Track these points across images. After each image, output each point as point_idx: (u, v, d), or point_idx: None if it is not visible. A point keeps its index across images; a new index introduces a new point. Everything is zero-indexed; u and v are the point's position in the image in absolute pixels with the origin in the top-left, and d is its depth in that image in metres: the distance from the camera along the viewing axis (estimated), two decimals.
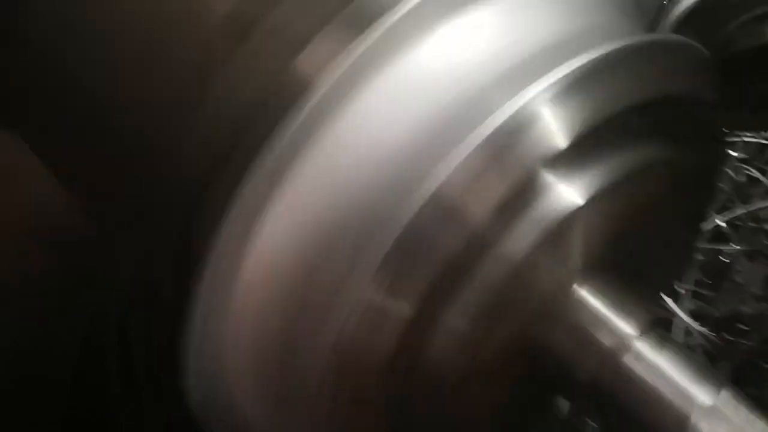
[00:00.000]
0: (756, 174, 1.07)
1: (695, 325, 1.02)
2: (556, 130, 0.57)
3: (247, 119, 0.59)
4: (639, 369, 0.60)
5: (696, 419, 0.59)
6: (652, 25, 0.73)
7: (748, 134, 1.10)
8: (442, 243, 0.56)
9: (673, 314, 1.02)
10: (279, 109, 0.57)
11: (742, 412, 0.59)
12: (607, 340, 0.61)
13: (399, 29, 0.58)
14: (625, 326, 0.61)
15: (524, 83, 0.56)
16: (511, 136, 0.55)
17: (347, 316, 0.56)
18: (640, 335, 0.61)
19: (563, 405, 0.84)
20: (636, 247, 0.66)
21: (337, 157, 0.58)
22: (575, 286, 0.62)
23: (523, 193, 0.57)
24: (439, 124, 0.57)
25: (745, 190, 1.08)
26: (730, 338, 1.02)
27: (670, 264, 0.82)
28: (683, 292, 1.03)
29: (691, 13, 0.73)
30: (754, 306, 1.03)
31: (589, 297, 0.62)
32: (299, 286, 0.59)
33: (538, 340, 0.62)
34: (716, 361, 1.01)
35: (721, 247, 1.06)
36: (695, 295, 1.05)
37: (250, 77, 0.61)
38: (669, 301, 1.02)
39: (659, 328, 0.62)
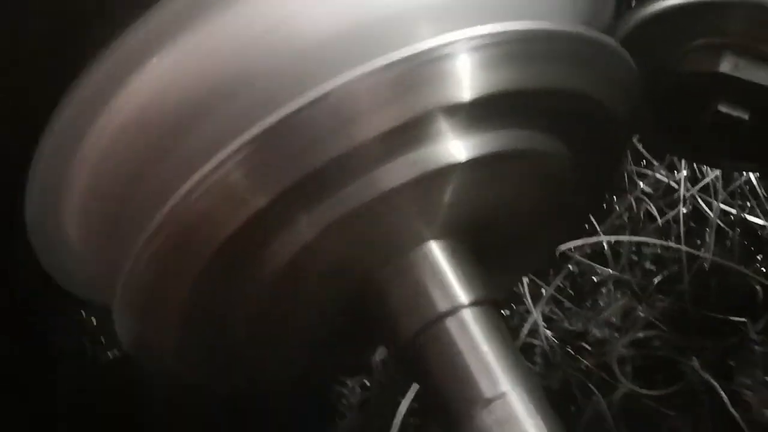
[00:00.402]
0: (654, 212, 1.08)
1: (543, 325, 1.02)
2: (464, 82, 0.56)
3: None
4: (457, 336, 0.60)
5: (485, 404, 0.59)
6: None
7: (662, 172, 1.11)
8: (320, 148, 0.55)
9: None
10: None
11: (529, 408, 0.59)
12: (438, 300, 0.61)
13: None
14: (459, 292, 0.61)
15: (452, 25, 0.56)
16: (421, 70, 0.55)
17: (199, 182, 0.55)
18: (470, 306, 0.61)
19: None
20: (501, 224, 0.67)
21: (236, 24, 0.57)
22: (428, 239, 0.62)
23: (413, 129, 0.56)
24: (356, 32, 0.57)
25: (639, 223, 1.09)
26: (570, 352, 1.03)
27: (530, 255, 0.82)
28: (544, 292, 1.04)
29: (644, 27, 0.72)
30: (603, 331, 1.04)
31: (436, 253, 0.62)
32: (161, 138, 0.58)
33: (375, 279, 0.62)
34: (549, 368, 1.03)
35: (597, 266, 1.06)
36: (555, 299, 1.05)
37: None
38: (525, 292, 1.03)
39: (492, 306, 0.62)
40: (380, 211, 0.58)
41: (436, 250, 0.62)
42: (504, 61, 0.57)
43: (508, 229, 0.68)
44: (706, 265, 1.05)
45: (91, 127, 0.59)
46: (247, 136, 0.54)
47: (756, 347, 1.01)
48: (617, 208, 1.08)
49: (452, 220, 0.62)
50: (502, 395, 0.58)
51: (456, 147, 0.58)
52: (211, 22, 0.56)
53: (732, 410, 0.98)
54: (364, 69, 0.54)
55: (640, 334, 1.03)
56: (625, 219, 1.09)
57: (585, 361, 1.03)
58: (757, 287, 1.04)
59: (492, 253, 0.66)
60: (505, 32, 0.56)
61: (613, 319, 1.04)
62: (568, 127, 0.64)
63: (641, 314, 1.04)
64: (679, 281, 1.05)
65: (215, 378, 0.69)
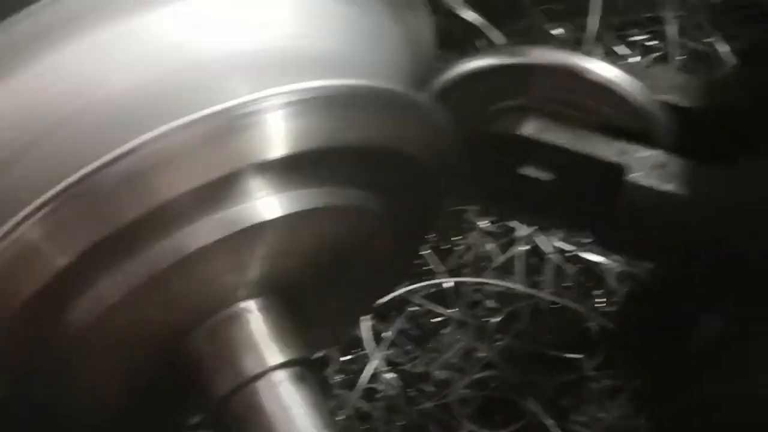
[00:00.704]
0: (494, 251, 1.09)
1: (384, 369, 1.02)
2: (275, 139, 0.56)
3: None
4: (267, 399, 0.60)
5: None
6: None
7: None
8: (123, 206, 0.53)
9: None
10: None
11: None
12: (250, 362, 0.60)
13: None
14: (271, 353, 0.61)
15: (260, 82, 0.56)
16: (230, 126, 0.54)
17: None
18: (282, 367, 0.60)
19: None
20: (318, 277, 0.66)
21: (36, 77, 0.55)
22: (240, 298, 0.61)
23: (221, 187, 0.56)
24: (163, 87, 0.56)
25: (480, 262, 1.10)
26: (413, 393, 1.04)
27: (354, 303, 0.82)
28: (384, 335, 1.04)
29: (453, 87, 0.74)
30: (444, 373, 1.05)
31: (249, 312, 0.61)
32: None
33: (185, 341, 0.61)
34: (390, 413, 1.03)
35: (437, 307, 1.07)
36: (398, 341, 1.05)
37: None
38: (367, 336, 1.03)
39: (306, 366, 0.62)
40: (188, 271, 0.57)
41: (248, 308, 0.61)
42: (314, 119, 0.57)
43: (326, 281, 0.68)
44: (543, 303, 1.06)
45: None
46: (47, 193, 0.52)
47: (591, 384, 1.02)
48: (458, 248, 1.08)
49: (265, 277, 0.61)
50: None
51: (267, 204, 0.58)
52: (14, 75, 0.55)
53: None
54: (170, 125, 0.53)
55: (480, 375, 1.04)
56: (468, 257, 1.09)
57: (427, 403, 1.03)
58: (592, 324, 1.05)
59: (311, 305, 0.67)
60: (314, 89, 0.56)
61: (454, 361, 1.05)
62: (382, 181, 0.64)
63: (481, 354, 1.05)
64: (519, 320, 1.06)
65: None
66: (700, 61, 1.15)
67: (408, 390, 1.04)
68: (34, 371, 0.60)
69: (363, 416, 1.02)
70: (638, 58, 1.11)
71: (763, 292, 0.72)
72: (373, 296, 0.90)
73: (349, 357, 1.04)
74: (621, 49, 1.15)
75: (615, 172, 0.72)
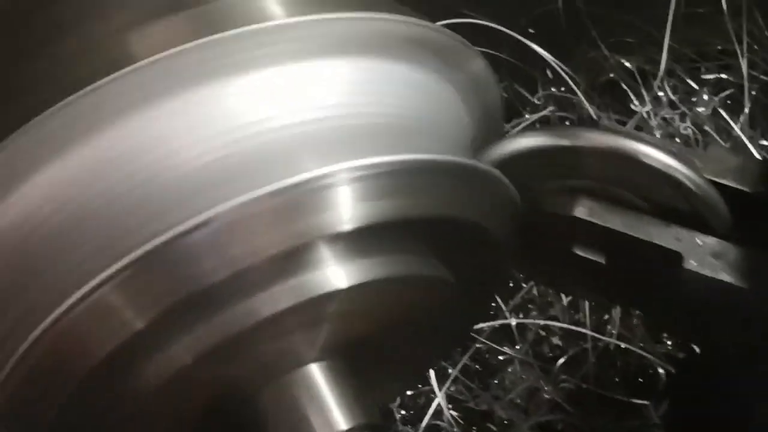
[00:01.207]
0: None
1: (446, 407, 1.02)
2: (346, 212, 0.57)
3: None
4: None
5: None
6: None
7: None
8: (199, 273, 0.55)
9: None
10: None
11: None
12: (317, 426, 0.61)
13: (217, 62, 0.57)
14: (338, 418, 0.61)
15: (334, 157, 0.56)
16: (304, 199, 0.55)
17: (76, 303, 0.54)
18: (354, 429, 0.61)
19: None
20: (384, 342, 0.67)
21: (116, 148, 0.56)
22: (307, 362, 0.62)
23: (293, 257, 0.57)
24: (240, 160, 0.56)
25: (545, 300, 1.09)
26: None
27: (418, 362, 0.84)
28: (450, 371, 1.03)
29: (505, 164, 0.73)
30: (509, 412, 1.04)
31: (316, 376, 0.62)
32: (37, 258, 0.57)
33: (253, 403, 0.62)
34: None
35: (502, 348, 1.06)
36: (461, 379, 1.05)
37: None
38: (431, 372, 1.02)
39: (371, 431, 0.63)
40: (258, 336, 0.58)
41: (315, 372, 0.62)
42: (385, 192, 0.58)
43: (391, 344, 0.68)
44: (611, 346, 1.04)
45: None
46: (127, 258, 0.53)
47: (657, 429, 1.00)
48: (524, 285, 1.07)
49: (332, 342, 0.62)
50: None
51: (336, 273, 0.59)
52: (94, 143, 0.56)
53: None
54: (246, 197, 0.54)
55: (546, 417, 1.03)
56: (534, 295, 1.08)
57: None
58: (660, 370, 1.03)
59: (376, 366, 0.68)
60: (383, 163, 0.57)
61: (519, 400, 1.04)
62: (450, 249, 0.64)
63: (546, 396, 1.04)
64: (584, 361, 1.04)
65: None
66: None
67: (471, 428, 1.03)
68: (103, 427, 0.61)
69: None
70: (705, 97, 1.09)
71: None
72: (437, 355, 0.90)
73: (412, 392, 1.04)
74: (689, 85, 1.13)
75: (671, 258, 0.71)
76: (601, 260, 0.73)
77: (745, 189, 0.73)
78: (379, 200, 0.58)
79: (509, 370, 1.06)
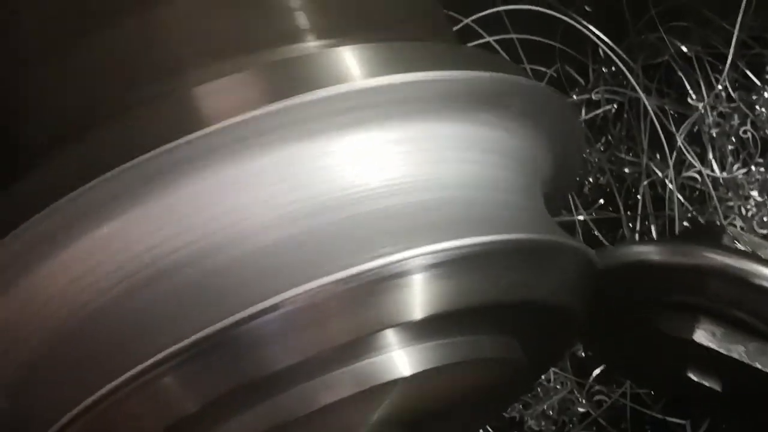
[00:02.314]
0: None
1: None
2: (416, 300, 0.56)
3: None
4: None
5: None
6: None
7: None
8: (261, 359, 0.54)
9: None
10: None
11: None
12: None
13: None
14: None
15: (406, 242, 0.55)
16: (378, 285, 0.54)
17: (127, 382, 0.53)
18: None
19: None
20: (441, 419, 0.66)
21: (182, 225, 0.55)
22: None
23: (361, 344, 0.56)
24: (310, 243, 0.55)
25: None
26: None
27: (473, 428, 0.85)
28: None
29: (625, 269, 0.71)
30: (540, 424, 1.05)
31: None
32: (96, 327, 0.56)
33: None
34: None
35: None
36: None
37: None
38: None
39: None
40: (313, 421, 0.58)
41: None
42: (462, 277, 0.57)
43: (448, 419, 0.68)
44: None
45: None
46: (183, 342, 0.52)
47: None
48: None
49: (387, 420, 0.61)
50: None
51: (401, 359, 0.58)
52: (155, 211, 0.55)
53: None
54: (317, 282, 0.53)
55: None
56: None
57: None
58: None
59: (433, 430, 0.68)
60: (462, 246, 0.56)
61: (550, 412, 1.04)
62: (525, 329, 0.65)
63: (580, 409, 1.04)
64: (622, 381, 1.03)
65: None
66: None
67: None
68: None
69: None
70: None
71: None
72: (491, 419, 0.93)
73: None
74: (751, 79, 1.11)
75: None
76: (716, 387, 0.71)
77: None
78: (454, 286, 0.57)
79: (542, 378, 1.04)
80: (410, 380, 0.58)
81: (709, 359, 0.69)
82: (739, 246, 0.71)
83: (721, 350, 0.69)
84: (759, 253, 0.70)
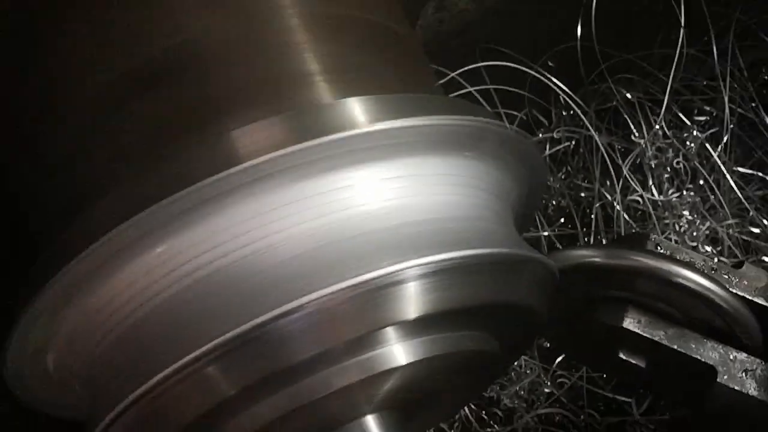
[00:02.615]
0: None
1: None
2: (413, 302, 0.56)
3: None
4: None
5: None
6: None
7: None
8: (289, 351, 0.55)
9: None
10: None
11: None
12: None
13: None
14: None
15: (405, 253, 0.56)
16: (379, 292, 0.55)
17: (178, 372, 0.54)
18: None
19: None
20: (433, 396, 0.67)
21: (219, 244, 0.56)
22: (365, 414, 0.62)
23: (370, 339, 0.57)
24: (326, 256, 0.56)
25: None
26: (484, 417, 1.03)
27: (456, 405, 0.85)
28: None
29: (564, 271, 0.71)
30: (514, 401, 1.03)
31: (371, 425, 0.62)
32: (151, 323, 0.57)
33: None
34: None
35: None
36: None
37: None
38: None
39: None
40: (328, 401, 0.58)
41: (370, 422, 0.62)
42: (447, 285, 0.57)
43: (437, 398, 0.69)
44: None
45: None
46: (227, 334, 0.53)
47: (639, 427, 1.01)
48: None
49: (388, 400, 0.62)
50: None
51: (398, 351, 0.59)
52: (204, 229, 0.56)
53: None
54: (330, 288, 0.54)
55: (545, 410, 1.02)
56: None
57: (497, 427, 1.03)
58: None
59: (421, 412, 0.68)
60: (447, 260, 0.56)
61: (522, 392, 1.03)
62: (500, 325, 0.65)
63: (546, 390, 1.03)
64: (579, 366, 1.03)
65: None
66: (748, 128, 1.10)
67: (481, 411, 1.03)
68: None
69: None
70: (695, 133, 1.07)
71: None
72: (472, 396, 0.91)
73: None
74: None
75: (706, 372, 0.70)
76: (642, 365, 0.72)
77: None
78: (441, 292, 0.57)
79: (515, 365, 1.03)
80: (406, 368, 0.59)
81: (636, 342, 0.72)
82: (661, 250, 0.72)
83: (645, 335, 0.71)
84: (676, 256, 0.72)
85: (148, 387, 0.55)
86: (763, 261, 0.90)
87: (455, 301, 0.58)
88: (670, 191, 1.05)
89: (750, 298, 0.72)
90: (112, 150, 0.60)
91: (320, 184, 0.57)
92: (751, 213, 1.04)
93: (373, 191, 0.58)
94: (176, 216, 0.55)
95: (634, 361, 0.72)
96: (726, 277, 0.72)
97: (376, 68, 0.64)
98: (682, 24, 1.03)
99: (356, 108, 0.57)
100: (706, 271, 0.71)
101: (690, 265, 0.71)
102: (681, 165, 1.06)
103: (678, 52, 1.03)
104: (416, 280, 0.56)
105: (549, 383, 1.03)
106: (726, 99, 1.07)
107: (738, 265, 0.73)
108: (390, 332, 0.58)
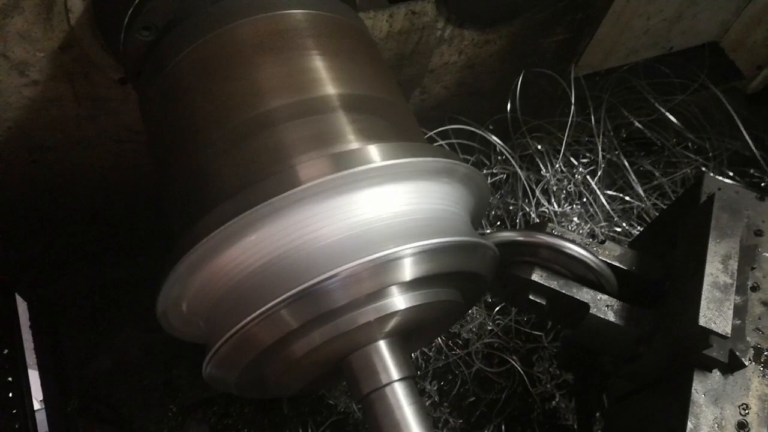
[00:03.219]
0: None
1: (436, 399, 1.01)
2: (407, 269, 0.56)
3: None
4: (391, 399, 0.59)
5: None
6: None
7: None
8: (330, 300, 0.55)
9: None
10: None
11: None
12: (381, 375, 0.59)
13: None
14: (393, 371, 0.60)
15: (403, 241, 0.55)
16: (387, 264, 0.55)
17: (263, 313, 0.54)
18: (401, 380, 0.59)
19: None
20: (422, 327, 0.65)
21: (287, 232, 0.55)
22: (378, 339, 0.60)
23: (381, 293, 0.57)
24: (351, 242, 0.55)
25: None
26: (450, 344, 1.03)
27: (435, 334, 0.84)
28: None
29: (501, 243, 0.70)
30: (469, 335, 1.03)
31: (382, 346, 0.60)
32: (246, 284, 0.56)
33: (347, 360, 0.60)
34: (438, 355, 1.02)
35: None
36: None
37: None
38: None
39: (414, 380, 0.61)
40: (355, 332, 0.58)
41: (382, 344, 0.60)
42: (430, 259, 0.57)
43: (425, 329, 0.67)
44: None
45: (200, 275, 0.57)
46: (293, 290, 0.53)
47: (546, 350, 1.02)
48: None
49: (393, 331, 0.60)
50: None
51: (399, 300, 0.58)
52: (280, 223, 0.55)
53: (530, 388, 1.00)
54: (356, 262, 0.53)
55: (488, 340, 1.03)
56: None
57: (457, 350, 1.03)
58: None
59: (415, 338, 0.67)
60: (430, 244, 0.56)
61: (473, 329, 1.04)
62: (463, 285, 0.63)
63: (489, 327, 1.04)
64: (510, 311, 1.04)
65: (256, 393, 0.67)
66: (614, 166, 1.10)
67: (448, 341, 1.03)
68: (266, 373, 0.61)
69: (420, 354, 1.02)
70: (581, 169, 1.07)
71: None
72: (444, 330, 0.92)
73: None
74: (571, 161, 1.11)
75: (582, 306, 0.70)
76: (543, 302, 0.71)
77: (624, 267, 0.72)
78: (427, 263, 0.56)
79: (470, 311, 1.04)
80: (405, 311, 0.58)
81: (539, 289, 0.72)
82: (555, 232, 0.72)
83: (545, 284, 0.71)
84: (565, 236, 0.71)
85: (242, 324, 0.54)
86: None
87: (435, 269, 0.57)
88: (565, 205, 1.06)
89: (609, 261, 0.72)
90: (221, 176, 0.59)
91: (351, 198, 0.56)
92: (615, 218, 1.06)
93: (384, 202, 0.57)
94: (262, 217, 0.54)
95: (538, 301, 0.71)
96: (595, 249, 0.72)
97: (388, 128, 0.62)
98: (572, 102, 1.04)
99: (374, 151, 0.56)
100: (582, 245, 0.71)
101: (573, 241, 0.70)
102: (572, 189, 1.07)
103: (570, 119, 1.04)
104: (411, 257, 0.55)
105: (491, 323, 1.03)
106: (600, 148, 1.08)
107: (602, 242, 0.73)
108: (394, 289, 0.57)
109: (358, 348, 0.59)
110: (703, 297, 0.61)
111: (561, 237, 0.70)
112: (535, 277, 0.71)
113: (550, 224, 0.73)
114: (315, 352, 0.58)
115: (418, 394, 0.61)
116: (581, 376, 0.94)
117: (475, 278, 0.63)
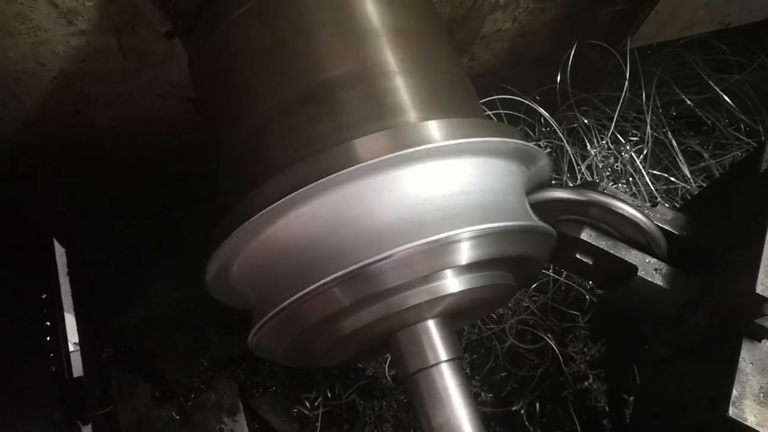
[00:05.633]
0: None
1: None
2: (464, 253, 0.57)
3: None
4: (437, 378, 0.59)
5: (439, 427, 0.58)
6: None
7: None
8: (382, 281, 0.56)
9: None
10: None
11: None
12: (428, 355, 0.60)
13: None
14: (441, 351, 0.60)
15: (459, 223, 0.56)
16: (442, 247, 0.55)
17: (315, 290, 0.55)
18: (447, 361, 0.60)
19: None
20: (473, 309, 0.66)
21: (343, 208, 0.56)
22: (427, 319, 0.61)
23: (435, 275, 0.57)
24: (405, 222, 0.56)
25: None
26: (485, 319, 1.05)
27: (474, 319, 0.87)
28: None
29: (545, 201, 0.71)
30: (503, 310, 1.05)
31: (431, 326, 0.61)
32: (298, 255, 0.57)
33: (395, 337, 0.61)
34: (474, 329, 1.04)
35: None
36: None
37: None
38: None
39: (461, 361, 0.62)
40: (406, 312, 0.59)
41: (431, 324, 0.61)
42: (486, 243, 0.57)
43: (475, 309, 0.68)
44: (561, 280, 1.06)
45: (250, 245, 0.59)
46: (346, 269, 0.54)
47: (582, 330, 1.04)
48: None
49: (444, 312, 0.61)
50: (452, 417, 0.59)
51: (452, 283, 0.59)
52: (334, 196, 0.56)
53: (563, 367, 1.02)
54: (411, 244, 0.54)
55: (522, 316, 1.05)
56: None
57: (492, 326, 1.05)
58: (587, 296, 1.05)
59: (463, 318, 0.69)
60: (486, 228, 0.57)
61: (510, 305, 1.05)
62: (516, 267, 0.64)
63: (525, 304, 1.05)
64: (548, 287, 1.06)
65: (300, 363, 0.69)
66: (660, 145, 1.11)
67: (484, 318, 1.05)
68: (313, 345, 0.62)
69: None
70: (628, 147, 1.07)
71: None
72: (495, 309, 0.93)
73: None
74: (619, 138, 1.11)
75: (630, 268, 0.72)
76: (590, 262, 0.73)
77: (675, 232, 0.73)
78: (484, 248, 0.57)
79: None
80: (457, 294, 0.59)
81: (587, 248, 0.73)
82: (606, 191, 0.73)
83: (594, 243, 0.72)
84: (618, 196, 0.72)
85: (294, 298, 0.56)
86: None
87: (490, 253, 0.57)
88: (610, 183, 1.07)
89: (661, 225, 0.73)
90: (276, 148, 0.59)
91: (408, 175, 0.56)
92: (658, 198, 1.06)
93: (443, 181, 0.57)
94: (318, 191, 0.55)
95: (585, 260, 0.72)
96: (646, 212, 0.73)
97: (447, 101, 0.62)
98: (626, 77, 1.05)
99: (435, 127, 0.56)
100: (635, 206, 0.72)
101: (625, 201, 0.71)
102: (618, 167, 1.08)
103: (623, 94, 1.05)
104: (468, 240, 0.55)
105: (527, 299, 1.05)
106: (648, 126, 1.09)
107: (654, 206, 0.74)
108: (448, 272, 0.58)
109: (407, 326, 0.60)
110: (762, 265, 0.63)
111: (614, 196, 0.71)
112: (584, 236, 0.72)
113: (601, 184, 0.74)
114: (364, 329, 0.59)
115: (465, 375, 0.61)
116: (612, 347, 0.96)
117: (530, 261, 0.64)
